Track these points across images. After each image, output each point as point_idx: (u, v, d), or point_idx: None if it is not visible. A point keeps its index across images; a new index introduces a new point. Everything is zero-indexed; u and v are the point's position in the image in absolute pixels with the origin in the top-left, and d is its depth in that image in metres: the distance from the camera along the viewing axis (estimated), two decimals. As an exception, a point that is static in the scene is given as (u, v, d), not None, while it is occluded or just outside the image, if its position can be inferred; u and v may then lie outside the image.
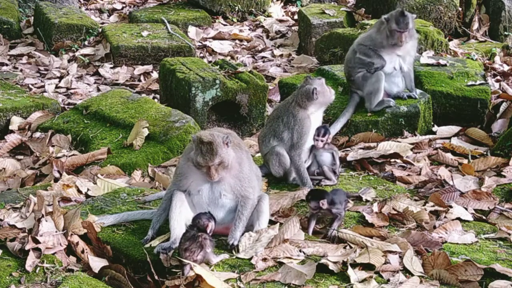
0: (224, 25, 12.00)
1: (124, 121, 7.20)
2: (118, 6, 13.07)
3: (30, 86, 9.42)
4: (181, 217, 4.62)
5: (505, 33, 10.73)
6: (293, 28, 11.79)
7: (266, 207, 4.76)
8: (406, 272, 4.30)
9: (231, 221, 4.68)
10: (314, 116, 5.74)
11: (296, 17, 11.98)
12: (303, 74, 8.69)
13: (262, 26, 12.03)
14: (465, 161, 6.08)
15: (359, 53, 7.01)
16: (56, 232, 4.67)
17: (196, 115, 7.56)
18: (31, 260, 4.40)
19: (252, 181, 4.73)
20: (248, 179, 4.69)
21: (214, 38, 11.30)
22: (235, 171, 4.65)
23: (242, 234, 4.61)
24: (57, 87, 9.47)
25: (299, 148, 5.70)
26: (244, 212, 4.65)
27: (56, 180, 6.20)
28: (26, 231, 4.70)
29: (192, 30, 11.32)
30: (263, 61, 10.52)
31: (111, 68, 10.03)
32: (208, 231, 4.41)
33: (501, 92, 7.96)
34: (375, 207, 5.10)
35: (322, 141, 5.65)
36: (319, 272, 4.27)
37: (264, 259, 4.40)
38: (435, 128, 7.09)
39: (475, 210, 5.20)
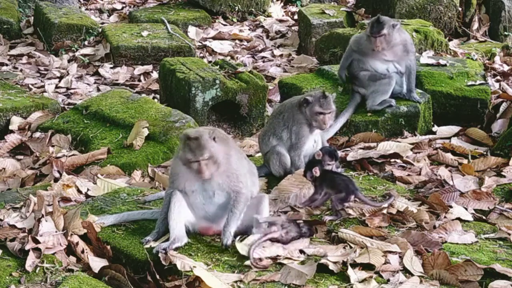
0: (224, 25, 11.99)
1: (124, 121, 7.20)
2: (118, 6, 13.06)
3: (30, 86, 9.41)
4: (180, 217, 4.60)
5: (505, 33, 10.73)
6: (293, 28, 11.78)
7: (265, 208, 4.73)
8: (406, 272, 4.30)
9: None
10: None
11: (296, 17, 11.97)
12: (303, 74, 8.68)
13: (262, 26, 12.02)
14: (465, 161, 6.08)
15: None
16: (56, 232, 4.66)
17: (196, 115, 7.56)
18: (31, 260, 4.39)
19: (241, 176, 4.65)
20: (236, 174, 4.63)
21: (214, 38, 11.29)
22: (223, 167, 4.59)
23: (242, 238, 4.53)
24: (57, 87, 9.46)
25: (298, 149, 5.70)
26: (236, 206, 4.58)
27: (56, 180, 6.19)
28: (26, 231, 4.70)
29: (192, 30, 11.31)
30: (263, 61, 10.51)
31: (111, 68, 10.02)
32: None
33: (501, 92, 7.96)
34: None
35: (329, 165, 5.30)
36: (319, 272, 4.27)
37: (263, 259, 4.40)
38: (435, 128, 7.09)
39: (475, 210, 5.19)
